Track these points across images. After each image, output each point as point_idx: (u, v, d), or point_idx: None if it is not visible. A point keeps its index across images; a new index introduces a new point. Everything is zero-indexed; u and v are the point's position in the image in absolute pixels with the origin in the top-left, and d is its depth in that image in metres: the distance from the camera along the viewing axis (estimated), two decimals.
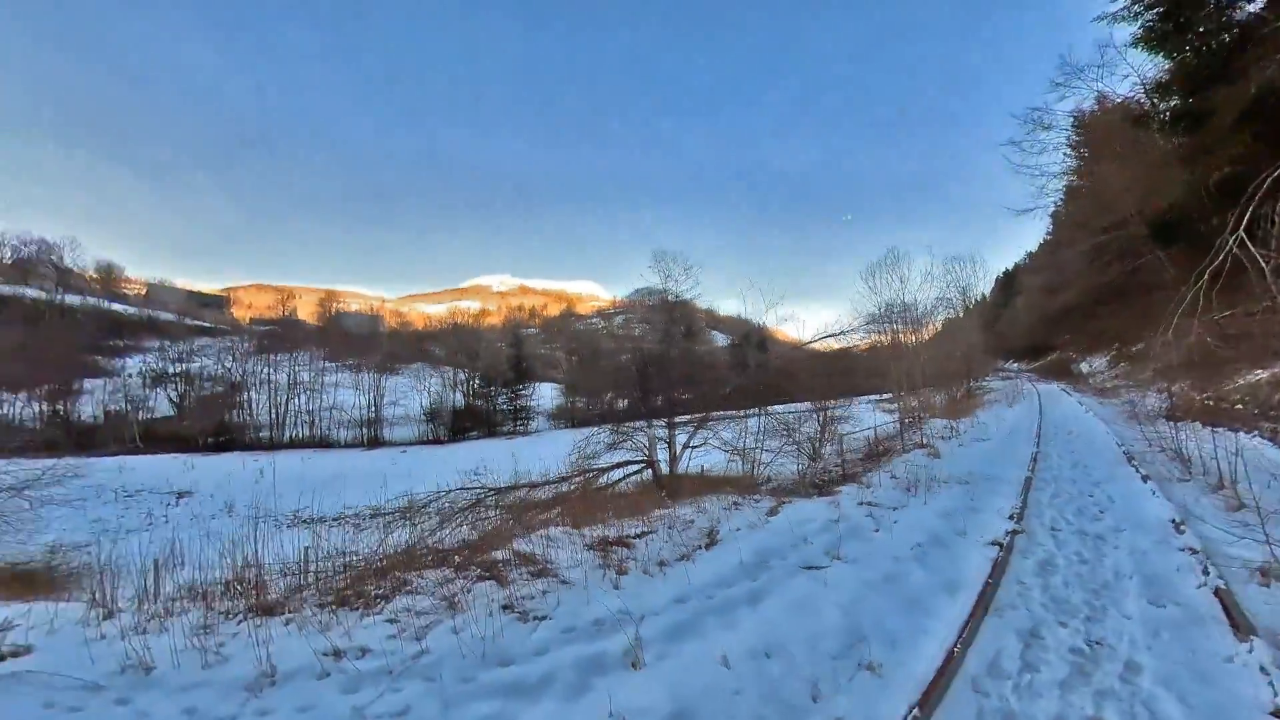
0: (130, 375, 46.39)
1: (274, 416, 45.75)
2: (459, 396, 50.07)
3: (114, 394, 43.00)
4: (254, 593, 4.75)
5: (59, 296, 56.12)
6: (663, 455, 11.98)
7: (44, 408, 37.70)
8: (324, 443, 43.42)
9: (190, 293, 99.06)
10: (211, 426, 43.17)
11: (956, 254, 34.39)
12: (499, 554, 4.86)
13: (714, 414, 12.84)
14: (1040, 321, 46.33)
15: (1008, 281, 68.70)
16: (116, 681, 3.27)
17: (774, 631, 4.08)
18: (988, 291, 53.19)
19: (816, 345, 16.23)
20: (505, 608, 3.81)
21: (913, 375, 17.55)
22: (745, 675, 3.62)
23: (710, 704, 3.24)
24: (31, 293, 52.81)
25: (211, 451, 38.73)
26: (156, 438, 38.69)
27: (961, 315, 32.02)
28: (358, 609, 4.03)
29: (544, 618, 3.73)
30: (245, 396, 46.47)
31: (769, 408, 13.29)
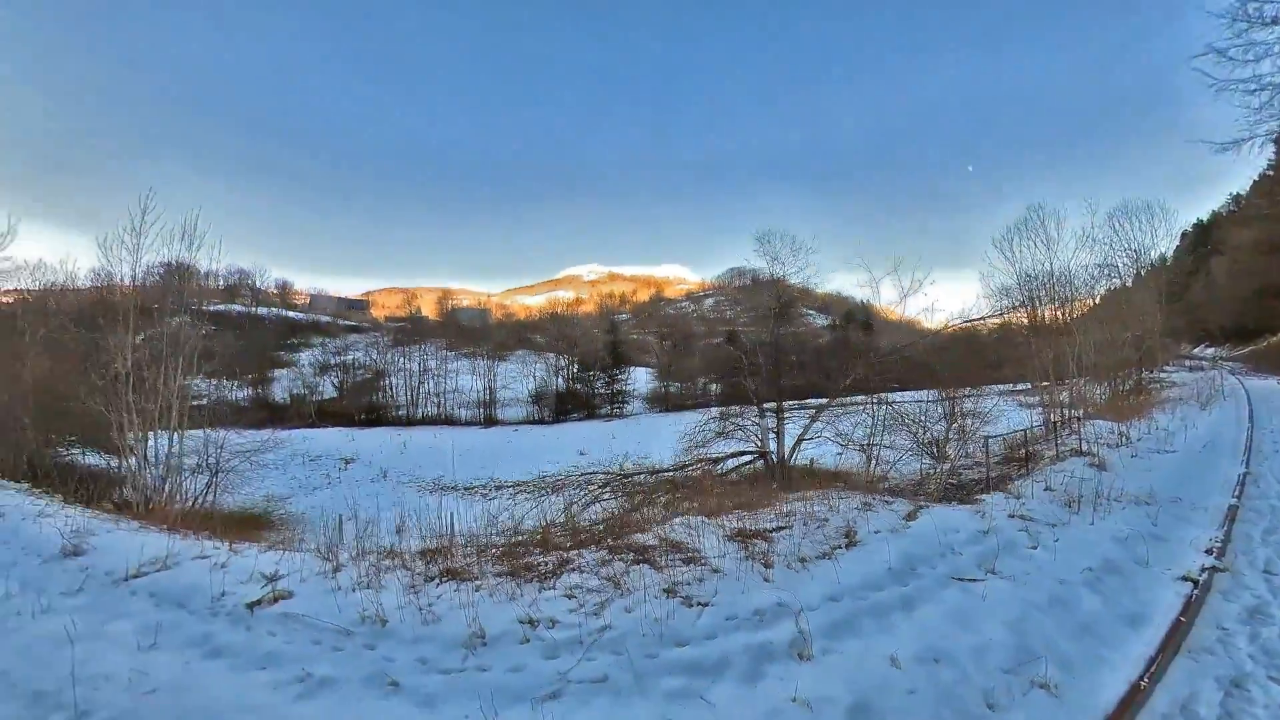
0: (304, 366, 54.53)
1: (409, 398, 51.33)
2: (560, 381, 52.36)
3: (294, 381, 50.94)
4: (442, 558, 5.28)
5: (254, 309, 68.61)
6: (771, 445, 11.45)
7: (250, 392, 45.43)
8: (449, 420, 47.90)
9: (340, 298, 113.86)
10: (364, 406, 49.51)
11: (1125, 205, 25.33)
12: (646, 538, 4.98)
13: (830, 403, 11.84)
14: (1254, 292, 33.25)
15: (1201, 237, 49.62)
16: (360, 629, 3.79)
17: (935, 639, 3.95)
18: (1170, 252, 36.54)
19: (936, 325, 14.02)
20: (667, 592, 3.90)
21: (1062, 362, 14.07)
22: (917, 677, 3.53)
23: (888, 700, 3.22)
24: (237, 308, 65.18)
25: (364, 426, 44.40)
26: (326, 414, 45.09)
27: (1130, 285, 24.28)
28: (532, 581, 4.32)
29: (706, 604, 3.76)
30: (387, 381, 52.57)
31: (887, 397, 11.73)
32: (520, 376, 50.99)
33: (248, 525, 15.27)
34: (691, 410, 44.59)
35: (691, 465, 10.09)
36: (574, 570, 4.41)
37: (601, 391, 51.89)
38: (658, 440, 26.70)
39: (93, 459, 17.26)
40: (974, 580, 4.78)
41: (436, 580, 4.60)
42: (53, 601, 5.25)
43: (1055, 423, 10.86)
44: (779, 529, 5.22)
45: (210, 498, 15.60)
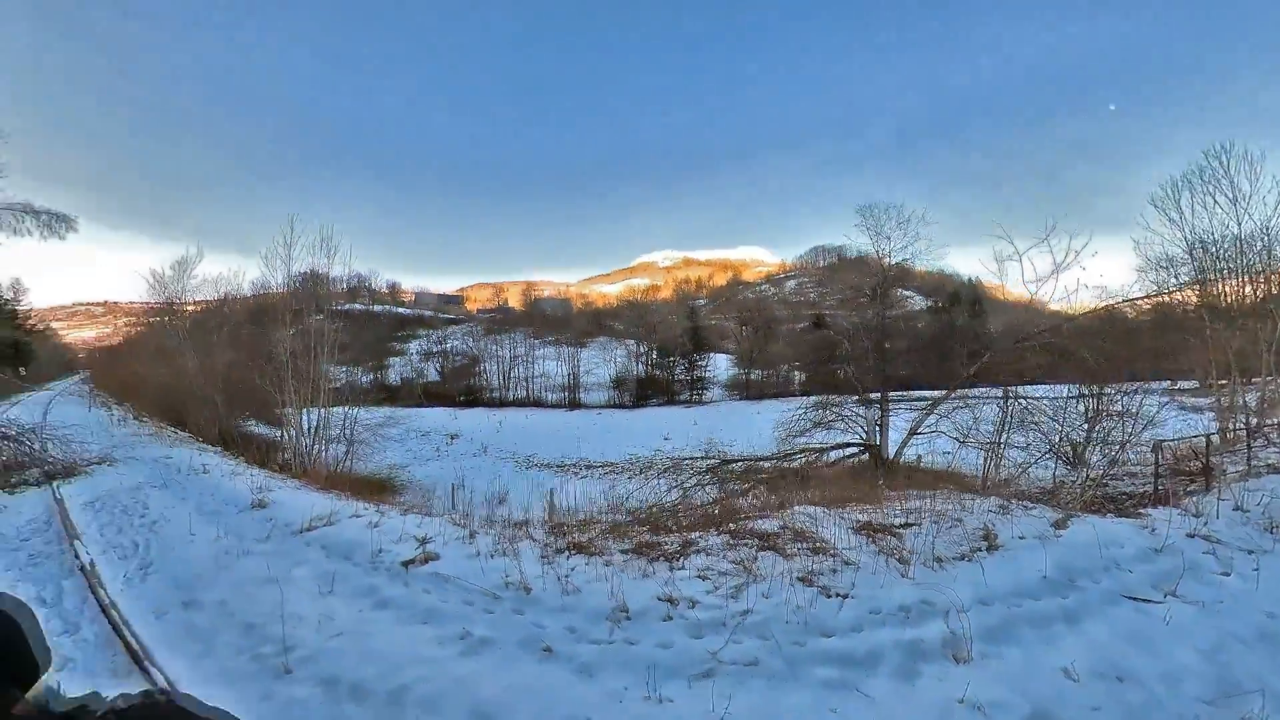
0: (412, 354, 60.19)
1: (501, 381, 54.71)
2: (639, 367, 52.67)
3: (404, 366, 56.34)
4: (563, 532, 5.46)
5: (370, 307, 77.88)
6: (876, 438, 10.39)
7: (371, 376, 51.05)
8: (537, 403, 50.36)
9: (439, 295, 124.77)
10: (462, 388, 53.66)
11: None
12: (768, 525, 4.79)
13: (950, 394, 10.50)
14: None
15: None
16: (506, 594, 3.98)
17: (1111, 657, 3.54)
18: None
19: (1074, 307, 11.45)
20: (802, 580, 3.71)
21: (1250, 353, 10.75)
22: (1096, 693, 3.16)
23: (1067, 712, 2.94)
24: (357, 306, 73.97)
25: (464, 406, 48.01)
26: (431, 395, 49.47)
27: None
28: (659, 559, 4.31)
29: (845, 596, 3.53)
30: (482, 367, 56.39)
31: (1016, 391, 9.89)
32: (602, 362, 52.15)
33: (376, 488, 17.16)
34: (775, 399, 43.14)
35: (795, 454, 9.48)
36: (699, 553, 4.34)
37: (681, 378, 51.00)
38: (742, 428, 26.15)
39: (262, 429, 20.37)
40: (1150, 601, 4.15)
41: (566, 553, 4.74)
42: (249, 546, 6.13)
43: (1245, 430, 8.47)
44: (906, 525, 4.80)
45: (349, 463, 17.76)
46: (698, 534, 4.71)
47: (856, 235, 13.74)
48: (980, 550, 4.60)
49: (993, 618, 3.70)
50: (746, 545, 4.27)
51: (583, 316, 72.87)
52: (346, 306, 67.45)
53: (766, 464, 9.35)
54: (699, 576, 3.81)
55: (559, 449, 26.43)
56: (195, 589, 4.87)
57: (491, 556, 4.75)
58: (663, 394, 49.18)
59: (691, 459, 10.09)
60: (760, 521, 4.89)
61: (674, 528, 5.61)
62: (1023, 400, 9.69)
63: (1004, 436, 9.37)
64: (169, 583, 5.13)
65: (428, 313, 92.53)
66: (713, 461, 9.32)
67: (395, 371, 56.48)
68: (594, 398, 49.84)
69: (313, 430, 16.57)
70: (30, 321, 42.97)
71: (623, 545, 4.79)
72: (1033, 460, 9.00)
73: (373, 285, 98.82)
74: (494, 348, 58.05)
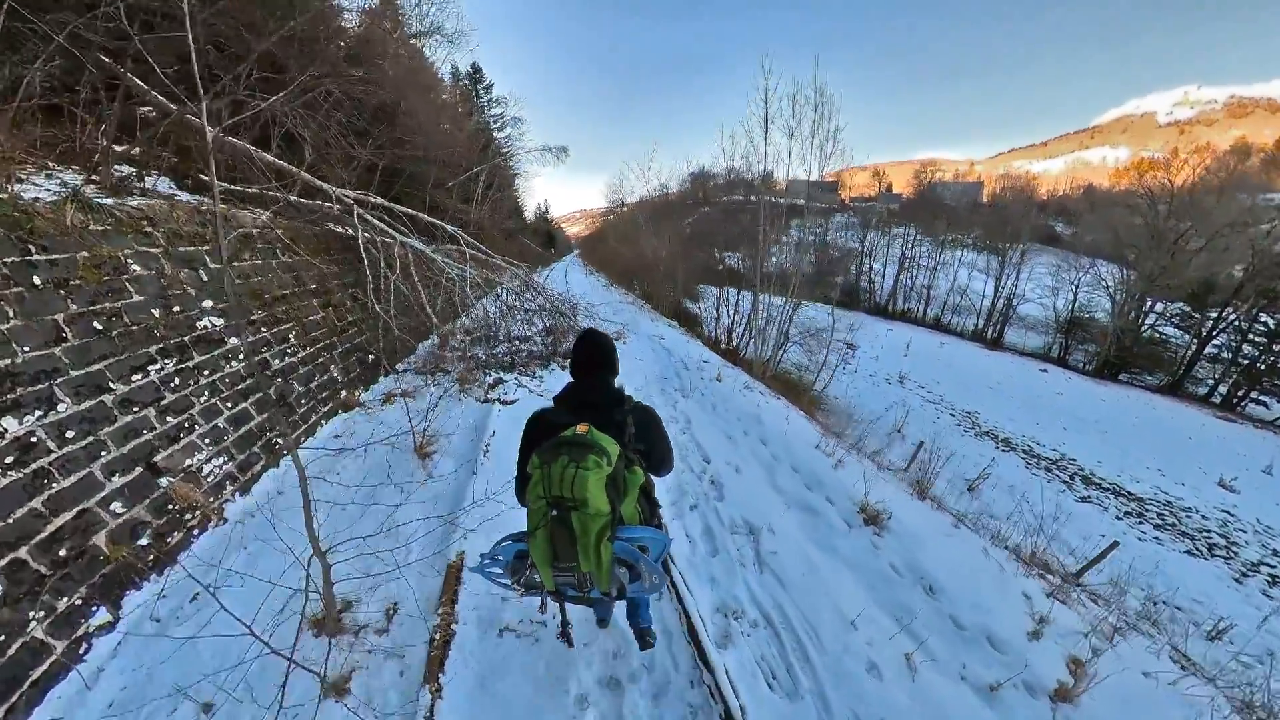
0: (786, 244, 57.09)
1: (883, 286, 45.72)
2: (1110, 310, 31.74)
3: (779, 255, 54.18)
4: None
5: (749, 198, 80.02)
6: None
7: (748, 264, 51.98)
8: (937, 324, 39.39)
9: (810, 181, 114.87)
10: (838, 285, 47.69)
11: None
12: None
13: None
14: None
15: None
16: None
17: None
18: None
19: None
20: None
21: None
22: None
23: None
24: (739, 197, 75.92)
25: (840, 307, 42.25)
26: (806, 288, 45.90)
27: None
28: None
29: None
30: (863, 265, 48.12)
31: None
32: (1045, 288, 34.65)
33: (792, 390, 14.77)
34: None
35: None
36: None
37: (1224, 355, 25.06)
38: None
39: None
40: None
41: None
42: (980, 711, 2.87)
43: None
44: None
45: (775, 361, 16.16)
46: None
47: None
48: None
49: None
50: None
51: (1003, 211, 47.82)
52: (726, 198, 68.57)
53: None
54: None
55: (1010, 415, 18.11)
56: None
57: None
58: (1154, 369, 27.05)
59: None
60: None
61: None
62: None
63: None
64: None
65: (800, 201, 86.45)
66: None
67: (773, 262, 55.22)
68: (1022, 339, 34.94)
69: (743, 315, 15.65)
70: (553, 222, 78.92)
71: None
72: None
73: (747, 176, 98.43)
74: (882, 241, 48.25)
